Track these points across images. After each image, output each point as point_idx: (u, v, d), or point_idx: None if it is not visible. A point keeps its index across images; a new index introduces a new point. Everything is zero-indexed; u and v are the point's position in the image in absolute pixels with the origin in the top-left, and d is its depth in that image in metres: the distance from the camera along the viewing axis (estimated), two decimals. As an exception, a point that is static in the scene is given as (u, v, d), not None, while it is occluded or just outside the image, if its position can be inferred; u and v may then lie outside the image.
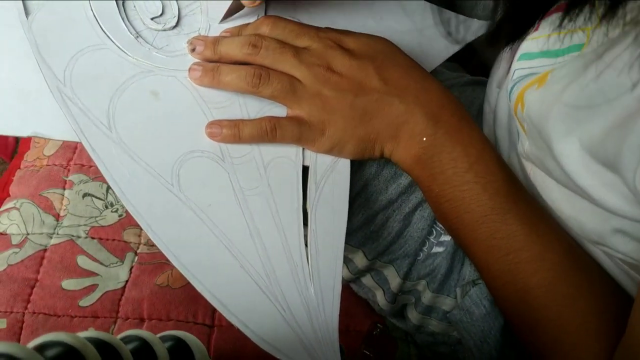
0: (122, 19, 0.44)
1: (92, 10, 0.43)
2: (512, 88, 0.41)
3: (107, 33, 0.43)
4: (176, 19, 0.46)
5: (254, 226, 0.40)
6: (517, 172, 0.45)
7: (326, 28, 0.45)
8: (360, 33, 0.45)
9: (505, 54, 0.49)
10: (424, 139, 0.41)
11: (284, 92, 0.42)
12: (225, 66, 0.42)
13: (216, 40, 0.43)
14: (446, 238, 0.50)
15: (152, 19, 0.45)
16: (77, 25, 0.43)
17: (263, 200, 0.41)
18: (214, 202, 0.40)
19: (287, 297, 0.39)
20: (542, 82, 0.37)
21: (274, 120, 0.42)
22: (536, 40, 0.41)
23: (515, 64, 0.42)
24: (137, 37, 0.44)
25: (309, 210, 0.42)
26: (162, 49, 0.44)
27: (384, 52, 0.44)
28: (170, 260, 0.37)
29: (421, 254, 0.50)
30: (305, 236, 0.41)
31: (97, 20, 0.43)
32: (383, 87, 0.42)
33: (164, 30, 0.45)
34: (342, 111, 0.42)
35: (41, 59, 0.40)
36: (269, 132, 0.41)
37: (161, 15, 0.46)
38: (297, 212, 0.41)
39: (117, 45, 0.43)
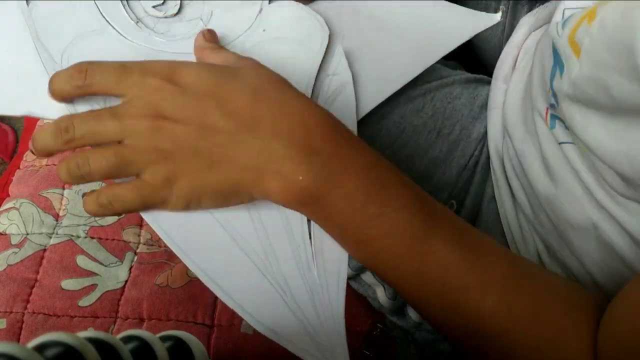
0: (124, 6, 0.44)
1: None
2: (565, 21, 0.39)
3: (108, 19, 0.43)
4: (178, 6, 0.46)
5: (253, 206, 0.38)
6: (538, 150, 0.44)
7: (157, 61, 0.36)
8: (200, 62, 0.38)
9: (510, 50, 0.49)
10: (300, 177, 0.33)
11: (114, 167, 0.34)
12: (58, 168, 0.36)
13: (32, 138, 0.36)
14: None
15: (153, 7, 0.45)
16: (77, 12, 0.42)
17: None
18: None
19: (288, 280, 0.36)
20: None
21: (108, 192, 0.35)
22: None
23: (563, 4, 0.42)
24: (138, 22, 0.44)
25: None
26: (162, 34, 0.44)
27: (227, 78, 0.35)
28: (165, 241, 0.36)
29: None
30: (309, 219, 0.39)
31: (97, 7, 0.43)
32: (228, 123, 0.34)
33: (165, 17, 0.45)
34: (185, 163, 0.34)
35: (39, 43, 0.40)
36: (105, 206, 0.35)
37: (163, 3, 0.45)
38: None
39: (117, 31, 0.43)
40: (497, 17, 0.55)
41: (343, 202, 0.34)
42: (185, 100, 0.34)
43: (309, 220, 0.38)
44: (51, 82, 0.37)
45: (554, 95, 0.41)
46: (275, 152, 0.33)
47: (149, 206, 0.36)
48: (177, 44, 0.43)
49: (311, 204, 0.34)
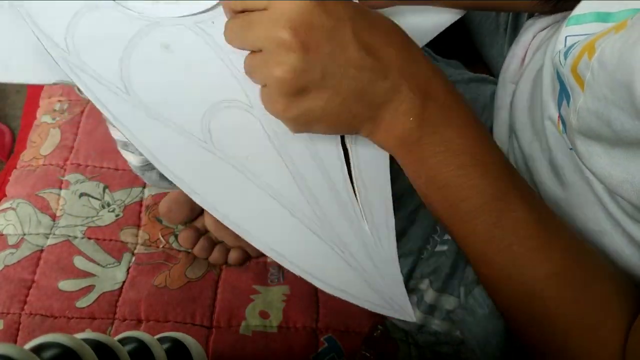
0: None
1: None
2: (567, 51, 0.40)
3: None
4: None
5: (296, 171, 0.39)
6: (546, 154, 0.44)
7: None
8: None
9: (517, 50, 0.49)
10: (410, 119, 0.36)
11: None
12: None
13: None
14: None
15: None
16: None
17: (300, 142, 0.39)
18: (251, 152, 0.38)
19: (343, 238, 0.38)
20: (621, 28, 0.35)
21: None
22: (588, 2, 0.40)
23: (565, 30, 0.42)
24: None
25: (348, 146, 0.40)
26: None
27: (361, 12, 0.35)
28: (220, 219, 0.37)
29: (425, 252, 0.50)
30: (350, 173, 0.40)
31: None
32: (364, 58, 0.34)
33: None
34: (314, 81, 0.34)
35: (37, 29, 0.38)
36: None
37: None
38: (337, 150, 0.40)
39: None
40: None
41: (440, 146, 0.36)
42: (325, 21, 0.33)
43: (351, 179, 0.39)
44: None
45: (562, 120, 0.41)
46: (399, 93, 0.35)
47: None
48: (182, 5, 0.40)
49: (409, 144, 0.36)
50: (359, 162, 0.40)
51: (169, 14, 0.40)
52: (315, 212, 0.38)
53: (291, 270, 0.37)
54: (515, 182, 0.37)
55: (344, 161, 0.40)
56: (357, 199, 0.39)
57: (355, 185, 0.40)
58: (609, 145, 0.35)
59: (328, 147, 0.40)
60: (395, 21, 0.46)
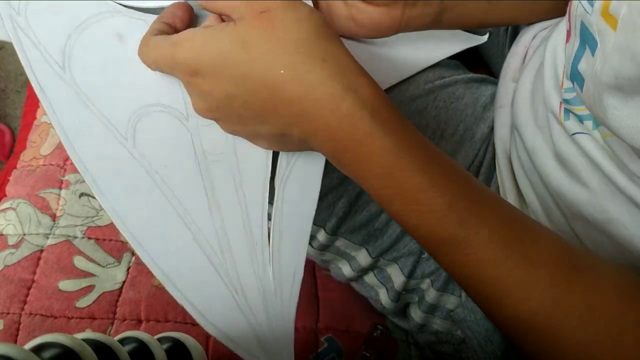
0: None
1: None
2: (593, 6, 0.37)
3: None
4: None
5: (213, 196, 0.36)
6: (550, 146, 0.44)
7: (178, 57, 0.34)
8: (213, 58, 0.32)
9: (518, 49, 0.49)
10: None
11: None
12: None
13: None
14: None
15: None
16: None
17: (227, 168, 0.37)
18: (171, 163, 0.36)
19: (241, 278, 0.35)
20: None
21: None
22: None
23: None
24: None
25: (276, 186, 0.38)
26: None
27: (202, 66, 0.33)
28: (115, 222, 0.34)
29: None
30: (269, 214, 0.37)
31: None
32: (230, 120, 0.35)
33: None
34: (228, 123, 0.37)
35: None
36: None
37: None
38: (263, 186, 0.37)
39: None
40: (484, 38, 0.55)
41: (370, 192, 0.33)
42: (211, 103, 0.34)
43: (269, 221, 0.37)
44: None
45: (577, 79, 0.39)
46: (293, 136, 0.33)
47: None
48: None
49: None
50: (283, 206, 0.38)
51: (132, 4, 0.39)
52: (220, 244, 0.36)
53: (175, 298, 0.33)
54: (475, 213, 0.32)
55: (268, 200, 0.38)
56: (269, 242, 0.37)
57: (271, 227, 0.37)
58: (627, 95, 0.33)
59: (255, 181, 0.38)
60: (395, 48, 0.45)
